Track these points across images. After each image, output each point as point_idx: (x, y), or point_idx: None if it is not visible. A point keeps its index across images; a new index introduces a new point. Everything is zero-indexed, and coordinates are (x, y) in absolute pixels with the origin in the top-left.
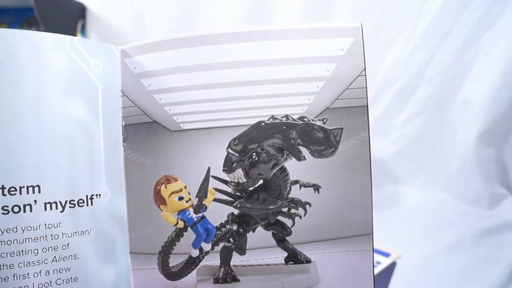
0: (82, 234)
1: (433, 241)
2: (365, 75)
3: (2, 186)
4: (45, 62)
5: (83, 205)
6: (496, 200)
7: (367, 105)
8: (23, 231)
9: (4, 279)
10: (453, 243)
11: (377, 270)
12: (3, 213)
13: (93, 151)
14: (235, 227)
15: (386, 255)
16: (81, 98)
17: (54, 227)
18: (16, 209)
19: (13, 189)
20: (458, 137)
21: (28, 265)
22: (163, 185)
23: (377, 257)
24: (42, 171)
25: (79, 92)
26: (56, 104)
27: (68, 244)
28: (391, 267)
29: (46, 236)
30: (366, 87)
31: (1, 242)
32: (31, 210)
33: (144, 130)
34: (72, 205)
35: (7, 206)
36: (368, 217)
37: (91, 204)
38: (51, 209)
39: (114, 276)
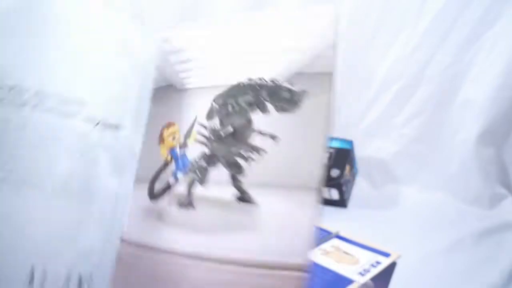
0: (102, 148)
1: (433, 241)
2: (334, 47)
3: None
4: None
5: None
6: (496, 200)
7: (332, 73)
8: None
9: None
10: (453, 243)
11: (377, 270)
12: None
13: (127, 85)
14: (203, 163)
15: (386, 255)
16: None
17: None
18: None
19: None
20: (458, 137)
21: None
22: (165, 128)
23: (377, 257)
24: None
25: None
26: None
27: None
28: (391, 267)
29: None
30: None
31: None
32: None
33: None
34: (103, 126)
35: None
36: (317, 172)
37: (116, 130)
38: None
39: (116, 186)
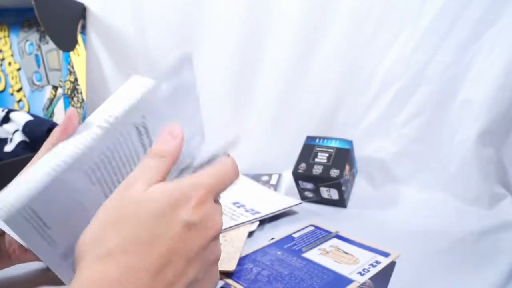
0: None
1: (433, 241)
2: None
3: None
4: None
5: None
6: (496, 200)
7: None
8: None
9: None
10: (453, 243)
11: (376, 269)
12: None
13: None
14: None
15: (386, 254)
16: None
17: None
18: None
19: None
20: (458, 137)
21: None
22: None
23: (376, 257)
24: None
25: None
26: None
27: None
28: (391, 266)
29: None
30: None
31: None
32: None
33: None
34: None
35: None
36: None
37: None
38: None
39: None
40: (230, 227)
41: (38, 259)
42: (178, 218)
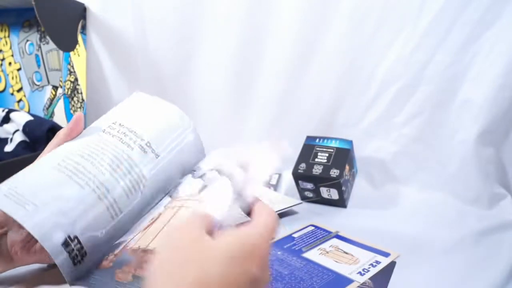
0: None
1: (433, 241)
2: None
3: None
4: None
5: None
6: (495, 200)
7: None
8: None
9: None
10: (453, 243)
11: (376, 269)
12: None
13: None
14: None
15: (386, 254)
16: None
17: None
18: None
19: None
20: (458, 137)
21: None
22: None
23: (376, 257)
24: None
25: None
26: None
27: None
28: (391, 266)
29: None
30: None
31: None
32: None
33: None
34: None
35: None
36: None
37: None
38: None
39: None
40: None
41: (40, 261)
42: (248, 270)
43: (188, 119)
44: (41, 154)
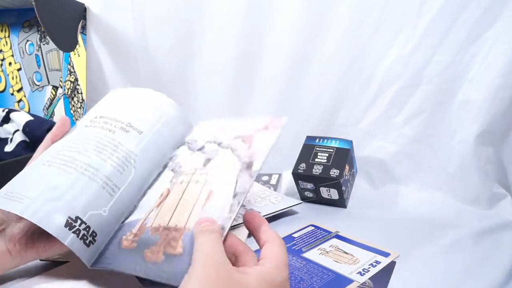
0: None
1: (433, 241)
2: None
3: None
4: None
5: None
6: (495, 199)
7: None
8: None
9: None
10: (453, 243)
11: (376, 270)
12: None
13: None
14: None
15: (386, 254)
16: None
17: None
18: None
19: None
20: (457, 137)
21: None
22: None
23: (376, 257)
24: None
25: None
26: None
27: None
28: (391, 266)
29: None
30: None
31: None
32: None
33: None
34: None
35: None
36: None
37: None
38: None
39: None
40: (230, 227)
41: (40, 256)
42: None
43: (164, 96)
44: (31, 159)
